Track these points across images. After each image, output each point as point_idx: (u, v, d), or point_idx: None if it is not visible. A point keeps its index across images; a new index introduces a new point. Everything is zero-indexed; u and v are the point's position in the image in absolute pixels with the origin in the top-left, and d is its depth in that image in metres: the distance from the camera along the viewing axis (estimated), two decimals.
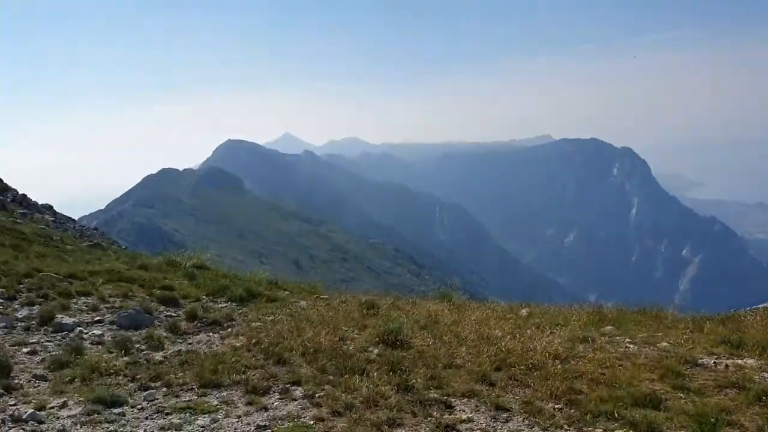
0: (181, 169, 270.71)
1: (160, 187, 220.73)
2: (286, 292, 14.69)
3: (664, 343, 8.69)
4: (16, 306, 9.17)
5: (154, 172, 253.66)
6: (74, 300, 9.97)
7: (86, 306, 9.70)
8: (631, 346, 8.72)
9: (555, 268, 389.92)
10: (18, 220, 34.98)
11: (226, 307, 11.12)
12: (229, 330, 9.27)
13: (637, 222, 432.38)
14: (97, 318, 9.10)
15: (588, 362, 7.68)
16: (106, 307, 9.71)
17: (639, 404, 6.41)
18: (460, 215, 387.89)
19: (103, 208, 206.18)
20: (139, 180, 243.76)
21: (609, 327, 10.05)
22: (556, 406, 6.39)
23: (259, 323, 9.74)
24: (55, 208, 53.56)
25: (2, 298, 9.41)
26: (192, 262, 16.39)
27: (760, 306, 34.40)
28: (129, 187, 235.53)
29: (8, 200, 45.58)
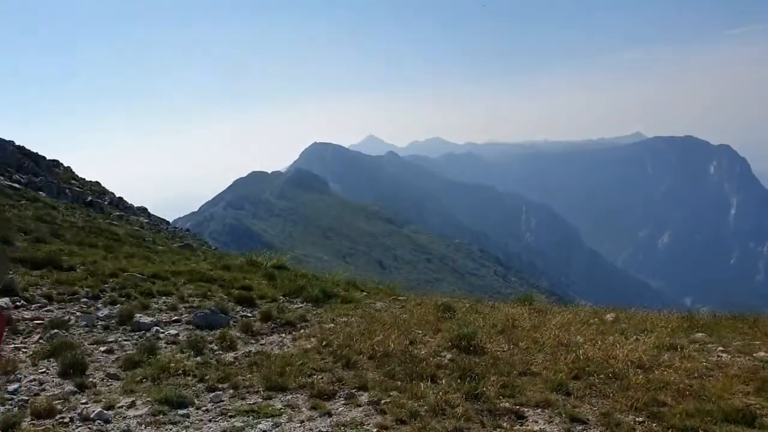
0: (269, 171, 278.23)
1: (249, 190, 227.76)
2: (363, 293, 14.60)
3: (762, 353, 7.99)
4: (99, 305, 9.43)
5: (244, 175, 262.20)
6: (155, 299, 10.19)
7: (166, 305, 9.87)
8: (724, 355, 8.08)
9: (648, 270, 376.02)
10: (114, 222, 36.73)
11: (301, 307, 11.13)
12: (302, 331, 9.22)
13: (736, 223, 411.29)
14: (175, 317, 9.26)
15: (674, 372, 7.09)
16: (185, 307, 9.86)
17: (730, 420, 5.83)
18: (548, 216, 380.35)
19: (196, 210, 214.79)
20: (230, 183, 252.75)
21: (700, 334, 9.43)
22: (637, 419, 5.88)
23: (332, 325, 9.65)
24: (150, 211, 56.15)
25: (87, 297, 9.69)
26: (272, 262, 16.55)
27: None
28: (221, 190, 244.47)
29: (106, 203, 48.06)
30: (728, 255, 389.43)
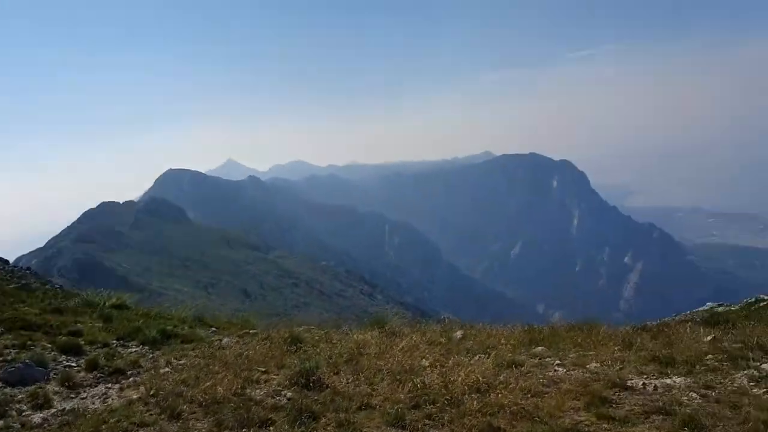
0: (121, 201, 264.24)
1: (100, 221, 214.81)
2: (211, 329, 13.96)
3: (594, 364, 8.28)
4: None
5: (93, 206, 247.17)
6: None
7: None
8: (560, 369, 8.27)
9: (503, 281, 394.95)
10: None
11: (135, 351, 10.24)
12: (131, 379, 8.45)
13: (579, 233, 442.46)
14: None
15: (510, 393, 7.10)
16: None
17: None
18: (410, 234, 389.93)
19: (42, 246, 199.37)
20: (78, 216, 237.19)
21: (540, 348, 9.63)
22: None
23: (167, 369, 8.93)
24: None
25: None
26: (111, 301, 15.61)
27: (700, 309, 34.97)
28: (68, 224, 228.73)
29: None
30: (573, 263, 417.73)
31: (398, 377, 7.89)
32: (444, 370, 8.07)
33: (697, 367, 7.87)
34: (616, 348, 9.37)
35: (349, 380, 8.02)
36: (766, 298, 30.51)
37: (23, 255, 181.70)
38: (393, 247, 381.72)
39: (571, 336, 10.85)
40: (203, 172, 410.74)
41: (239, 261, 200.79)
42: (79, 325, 12.17)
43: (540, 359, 8.89)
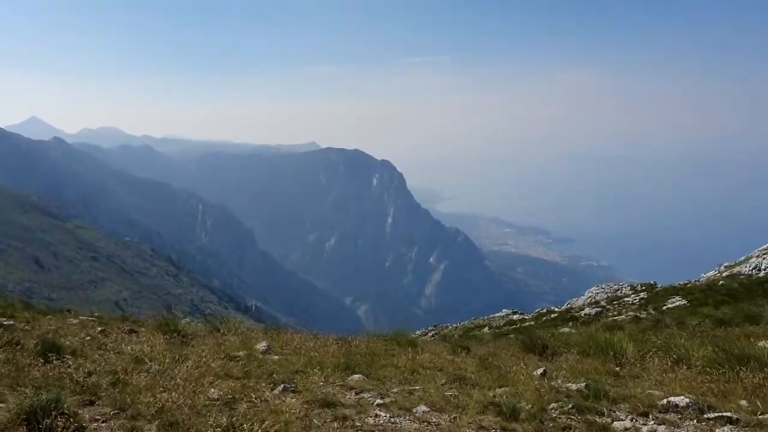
0: None
1: None
2: None
3: (423, 407, 6.95)
4: None
5: None
6: None
7: None
8: (382, 413, 6.77)
9: (315, 271, 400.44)
10: None
11: None
12: None
13: (392, 230, 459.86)
14: None
15: None
16: None
17: None
18: (224, 217, 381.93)
19: None
20: None
21: (357, 376, 8.26)
22: None
23: None
24: None
25: None
26: None
27: (497, 314, 38.50)
28: None
29: None
30: (384, 259, 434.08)
31: (170, 419, 5.87)
32: (234, 416, 5.98)
33: (546, 422, 6.50)
34: (444, 383, 8.26)
35: (101, 425, 5.90)
36: (555, 309, 34.49)
37: None
38: (205, 228, 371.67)
39: (391, 357, 9.90)
40: (1, 126, 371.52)
41: (33, 227, 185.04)
42: None
43: (358, 394, 7.53)
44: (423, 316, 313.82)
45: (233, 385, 7.24)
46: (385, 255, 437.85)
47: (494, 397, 7.24)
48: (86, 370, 7.37)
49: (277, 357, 9.25)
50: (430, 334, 31.25)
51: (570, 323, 26.93)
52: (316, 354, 9.59)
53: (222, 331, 11.80)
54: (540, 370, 8.67)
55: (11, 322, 11.00)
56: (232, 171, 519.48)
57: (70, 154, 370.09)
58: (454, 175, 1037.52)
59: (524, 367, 8.83)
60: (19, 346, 8.43)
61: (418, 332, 32.92)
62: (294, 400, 6.81)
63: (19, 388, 6.52)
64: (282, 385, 7.48)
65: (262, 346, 9.89)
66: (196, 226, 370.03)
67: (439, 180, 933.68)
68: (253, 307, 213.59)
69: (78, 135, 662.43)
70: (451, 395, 7.46)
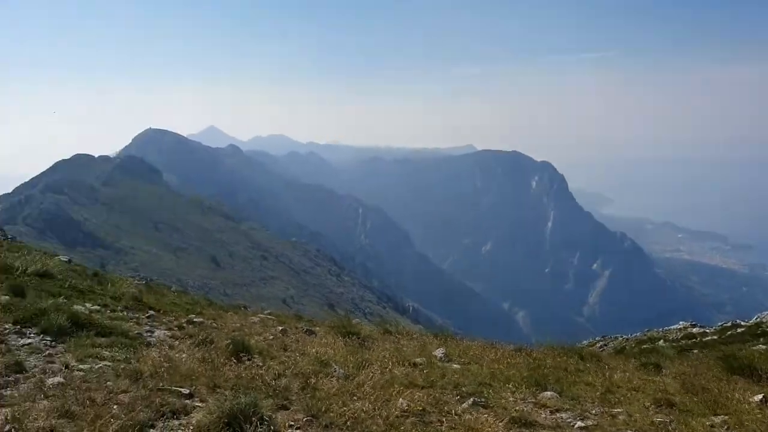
0: (96, 155, 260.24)
1: (72, 173, 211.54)
2: (149, 313, 11.94)
3: (622, 417, 6.69)
4: None
5: (67, 156, 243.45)
6: None
7: None
8: None
9: (471, 275, 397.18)
10: None
11: (31, 343, 7.96)
12: (6, 391, 6.22)
13: (552, 235, 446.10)
14: None
15: None
16: None
17: None
18: (383, 220, 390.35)
19: (9, 192, 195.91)
20: (50, 165, 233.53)
21: (550, 393, 7.75)
22: None
23: (60, 378, 6.63)
24: None
25: None
26: (33, 268, 13.00)
27: (673, 327, 35.24)
28: (40, 172, 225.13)
29: None
30: (544, 264, 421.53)
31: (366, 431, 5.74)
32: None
33: None
34: (648, 406, 7.51)
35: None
36: (743, 323, 30.92)
37: None
38: (365, 231, 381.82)
39: (579, 373, 9.28)
40: (184, 135, 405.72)
41: (211, 228, 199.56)
42: None
43: (553, 414, 7.04)
44: (585, 325, 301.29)
45: (420, 395, 6.85)
46: (544, 260, 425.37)
47: (713, 427, 6.51)
48: (275, 371, 7.43)
49: (457, 366, 8.97)
50: (598, 345, 29.08)
51: (761, 339, 23.61)
52: (499, 366, 9.15)
53: (393, 333, 11.73)
54: (758, 397, 7.74)
55: (201, 319, 11.78)
56: (391, 175, 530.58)
57: (243, 160, 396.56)
58: (617, 176, 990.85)
59: (738, 392, 7.93)
60: (212, 345, 8.74)
61: (584, 342, 30.80)
62: (487, 416, 6.40)
63: (217, 389, 6.67)
64: (471, 399, 7.10)
65: (439, 352, 9.60)
66: (357, 229, 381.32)
67: (602, 182, 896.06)
68: (411, 308, 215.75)
69: (250, 143, 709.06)
70: (660, 422, 6.65)
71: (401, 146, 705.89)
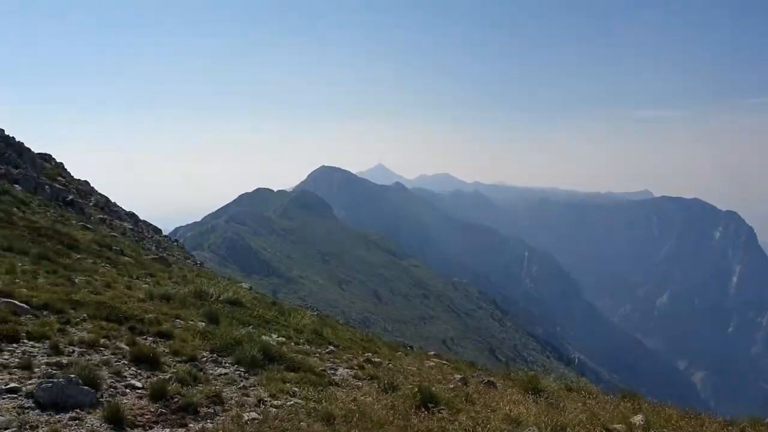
0: (275, 189, 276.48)
1: (253, 206, 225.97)
2: (329, 347, 12.05)
3: None
4: None
5: (250, 190, 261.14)
6: (14, 347, 7.17)
7: (18, 360, 6.70)
8: None
9: (644, 329, 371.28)
10: (88, 225, 33.84)
11: (226, 374, 8.12)
12: (201, 426, 6.15)
13: (737, 291, 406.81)
14: (13, 384, 6.05)
15: None
16: (48, 364, 6.80)
17: None
18: (549, 264, 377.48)
19: (199, 220, 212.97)
20: (235, 197, 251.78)
21: None
22: None
23: (255, 414, 6.63)
24: (140, 216, 53.20)
25: None
26: (226, 295, 13.87)
27: None
28: (226, 203, 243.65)
29: (90, 204, 45.22)
30: (726, 323, 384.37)
31: None
32: None
33: None
34: None
35: None
36: None
37: (182, 226, 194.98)
38: (530, 275, 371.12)
39: None
40: (354, 172, 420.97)
41: (375, 263, 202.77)
42: (178, 321, 10.54)
43: None
44: None
45: None
46: (727, 318, 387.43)
47: None
48: (466, 427, 7.05)
49: None
50: None
51: None
52: None
53: (574, 390, 10.97)
54: None
55: (379, 359, 11.93)
56: (560, 218, 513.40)
57: (408, 198, 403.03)
58: None
59: None
60: (398, 391, 8.66)
61: None
62: None
63: None
64: None
65: (638, 419, 8.54)
66: (522, 272, 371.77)
67: None
68: (576, 360, 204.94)
69: (415, 181, 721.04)
70: None
71: (570, 188, 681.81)
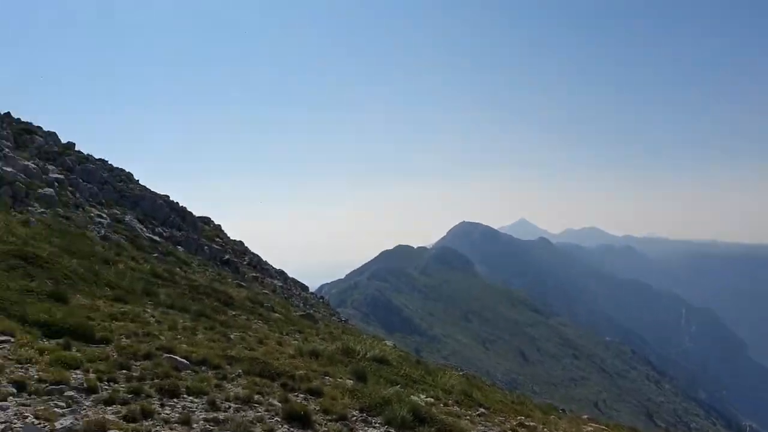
0: (415, 246, 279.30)
1: (394, 263, 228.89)
2: (479, 410, 11.63)
3: None
4: (87, 401, 6.74)
5: (390, 247, 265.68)
6: (172, 402, 7.37)
7: (178, 415, 6.86)
8: None
9: None
10: (242, 284, 35.68)
11: None
12: None
13: None
14: None
15: None
16: (206, 420, 6.90)
17: None
18: (711, 322, 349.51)
19: (342, 278, 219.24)
20: (377, 254, 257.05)
21: None
22: None
23: None
24: (289, 274, 55.51)
25: (78, 389, 6.87)
26: (373, 352, 13.90)
27: None
28: (368, 260, 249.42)
29: (244, 263, 47.81)
30: None
31: None
32: None
33: None
34: None
35: None
36: None
37: (326, 283, 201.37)
38: (688, 333, 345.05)
39: None
40: (495, 228, 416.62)
41: (520, 321, 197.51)
42: (327, 378, 10.60)
43: None
44: None
45: None
46: None
47: None
48: None
49: None
50: None
51: None
52: None
53: None
54: None
55: (532, 423, 11.51)
56: (721, 272, 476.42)
57: (553, 253, 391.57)
58: None
59: None
60: None
61: None
62: None
63: None
64: None
65: None
66: (679, 330, 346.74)
67: None
68: (747, 428, 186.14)
69: (561, 235, 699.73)
70: None
71: (733, 240, 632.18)
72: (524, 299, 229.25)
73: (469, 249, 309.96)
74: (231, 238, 52.74)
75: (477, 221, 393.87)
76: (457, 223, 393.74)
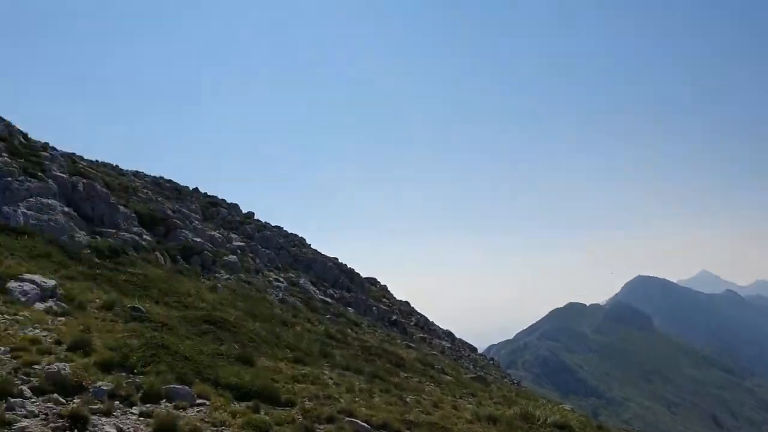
0: (587, 303, 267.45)
1: (566, 321, 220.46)
2: None
3: None
4: None
5: (561, 305, 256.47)
6: None
7: None
8: None
9: None
10: (411, 345, 35.94)
11: None
12: None
13: None
14: None
15: None
16: None
17: None
18: None
19: (511, 338, 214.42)
20: (546, 313, 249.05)
21: None
22: None
23: None
24: (456, 335, 55.18)
25: None
26: (554, 418, 13.16)
27: None
28: (537, 319, 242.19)
29: (411, 323, 48.24)
30: None
31: None
32: None
33: None
34: None
35: None
36: None
37: (494, 344, 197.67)
38: None
39: None
40: (674, 281, 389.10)
41: (707, 382, 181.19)
42: None
43: None
44: None
45: None
46: None
47: None
48: None
49: None
50: None
51: None
52: None
53: None
54: None
55: None
56: None
57: (742, 306, 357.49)
58: None
59: None
60: None
61: None
62: None
63: None
64: None
65: None
66: None
67: None
68: None
69: (751, 287, 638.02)
70: None
71: None
72: (711, 358, 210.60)
73: (645, 304, 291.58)
74: (397, 298, 53.63)
75: (653, 275, 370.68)
76: (632, 278, 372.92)
